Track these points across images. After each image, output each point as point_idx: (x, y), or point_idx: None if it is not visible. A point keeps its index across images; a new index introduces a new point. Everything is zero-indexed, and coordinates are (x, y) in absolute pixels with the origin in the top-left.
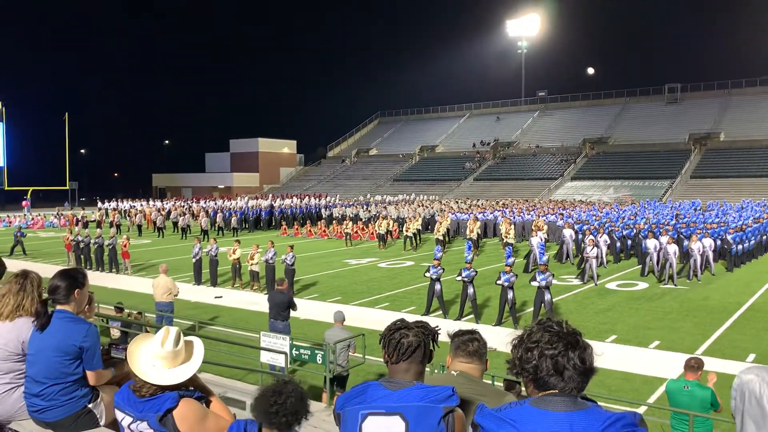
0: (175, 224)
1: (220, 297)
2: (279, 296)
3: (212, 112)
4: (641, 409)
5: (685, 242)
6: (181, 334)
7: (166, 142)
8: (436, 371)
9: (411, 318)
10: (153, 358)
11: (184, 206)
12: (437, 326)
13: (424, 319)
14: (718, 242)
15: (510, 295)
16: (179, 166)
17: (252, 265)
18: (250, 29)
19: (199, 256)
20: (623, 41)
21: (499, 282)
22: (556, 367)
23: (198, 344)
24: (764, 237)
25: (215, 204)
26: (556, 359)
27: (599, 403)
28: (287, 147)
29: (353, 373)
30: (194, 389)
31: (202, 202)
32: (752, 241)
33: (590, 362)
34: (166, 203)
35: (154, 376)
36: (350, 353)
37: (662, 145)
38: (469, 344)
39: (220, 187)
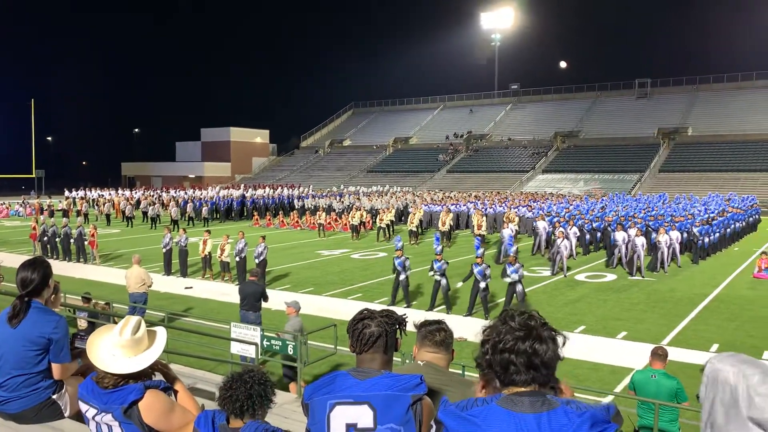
0: (145, 214)
1: (191, 288)
2: (251, 287)
3: (183, 101)
4: (608, 398)
5: (653, 235)
6: (142, 323)
7: (136, 130)
8: (407, 361)
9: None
10: (112, 348)
11: (153, 196)
12: (404, 314)
13: (428, 315)
14: (685, 235)
15: (443, 282)
16: (149, 155)
17: (223, 256)
18: (222, 17)
19: (169, 247)
20: (595, 35)
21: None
22: (507, 362)
23: (161, 333)
24: (728, 230)
25: (186, 194)
26: (506, 354)
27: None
28: (260, 136)
29: (325, 364)
30: (161, 380)
31: (172, 192)
32: (717, 234)
33: (544, 355)
34: (136, 192)
35: (113, 365)
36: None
37: (632, 139)
38: (436, 334)
39: (190, 176)
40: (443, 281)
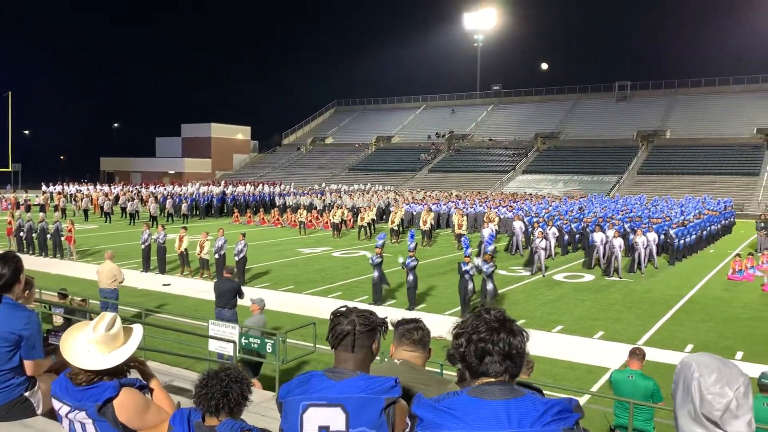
0: (123, 209)
1: (169, 284)
2: (226, 284)
3: (164, 96)
4: (585, 398)
5: (631, 236)
6: (118, 319)
7: (116, 125)
8: (386, 359)
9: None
10: (87, 344)
11: (132, 191)
12: (386, 317)
13: (414, 314)
14: (662, 236)
15: (470, 285)
16: (128, 150)
17: (201, 253)
18: (204, 13)
19: (147, 243)
20: (576, 38)
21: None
22: (482, 352)
23: (137, 329)
24: (704, 232)
25: (165, 189)
26: (482, 344)
27: (544, 392)
28: (241, 133)
29: (303, 362)
30: (137, 378)
31: (151, 188)
32: (693, 236)
33: (518, 347)
34: (114, 188)
35: (87, 361)
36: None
37: (611, 141)
38: (414, 333)
39: (170, 172)
40: (410, 277)
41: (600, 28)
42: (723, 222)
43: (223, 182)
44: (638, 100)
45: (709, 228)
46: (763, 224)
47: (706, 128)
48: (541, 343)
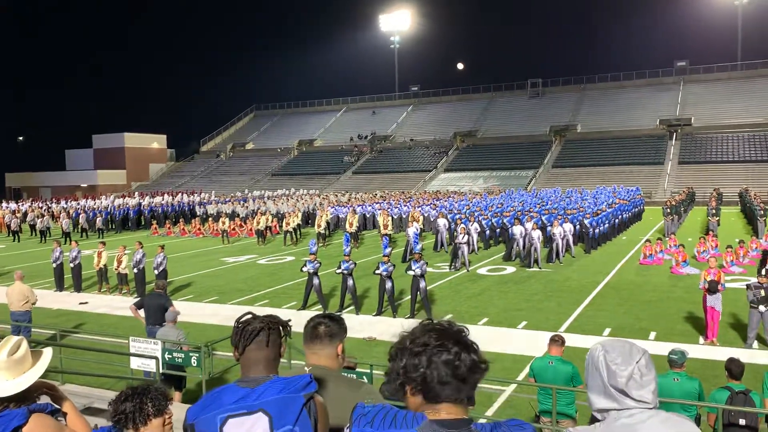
0: (33, 227)
1: (86, 303)
2: (155, 299)
3: (72, 106)
4: (511, 387)
5: (548, 228)
6: (24, 343)
7: (20, 138)
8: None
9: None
10: None
11: (42, 207)
12: (289, 319)
13: (304, 313)
14: (577, 227)
15: (389, 284)
16: (36, 164)
17: (120, 268)
18: (115, 17)
19: (60, 261)
20: (490, 38)
21: (377, 272)
22: (449, 373)
23: (46, 353)
24: (616, 220)
25: (78, 204)
26: (449, 364)
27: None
28: (157, 142)
29: (231, 373)
30: (48, 403)
31: (62, 203)
32: (606, 225)
33: (474, 364)
34: (22, 205)
35: None
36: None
37: (526, 137)
38: (318, 327)
39: (83, 185)
40: (350, 281)
41: (512, 28)
42: (633, 210)
43: (138, 193)
44: (550, 97)
45: (620, 216)
46: (669, 210)
47: (614, 121)
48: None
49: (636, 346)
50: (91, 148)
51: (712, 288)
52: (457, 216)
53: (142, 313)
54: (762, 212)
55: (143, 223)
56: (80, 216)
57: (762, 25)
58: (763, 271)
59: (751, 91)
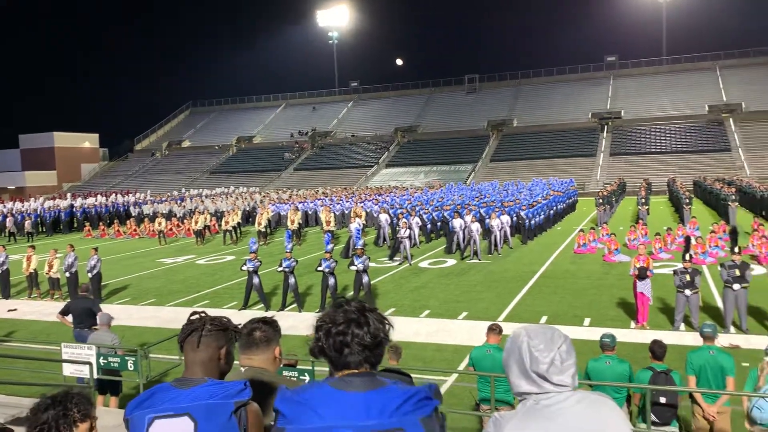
0: None
1: (15, 309)
2: (82, 303)
3: None
4: (452, 377)
5: (486, 220)
6: None
7: None
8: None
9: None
10: None
11: None
12: (240, 323)
13: (245, 312)
14: (514, 218)
15: (332, 281)
16: None
17: (51, 273)
18: (42, 12)
19: None
20: (428, 34)
21: (320, 269)
22: (341, 344)
23: None
24: (551, 211)
25: (4, 207)
26: (341, 337)
27: (412, 376)
28: (88, 141)
29: (168, 376)
30: None
31: None
32: (542, 216)
33: (377, 336)
34: None
35: None
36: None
37: (465, 131)
38: (253, 333)
39: (9, 187)
40: (291, 279)
41: (449, 24)
42: (567, 201)
43: (70, 195)
44: (487, 92)
45: (555, 207)
46: (601, 200)
47: (549, 115)
48: (410, 329)
49: (558, 331)
50: (18, 149)
51: (642, 274)
52: (399, 211)
53: (69, 318)
54: (687, 200)
55: (76, 225)
56: (7, 219)
57: (685, 22)
58: (687, 257)
59: (676, 84)
